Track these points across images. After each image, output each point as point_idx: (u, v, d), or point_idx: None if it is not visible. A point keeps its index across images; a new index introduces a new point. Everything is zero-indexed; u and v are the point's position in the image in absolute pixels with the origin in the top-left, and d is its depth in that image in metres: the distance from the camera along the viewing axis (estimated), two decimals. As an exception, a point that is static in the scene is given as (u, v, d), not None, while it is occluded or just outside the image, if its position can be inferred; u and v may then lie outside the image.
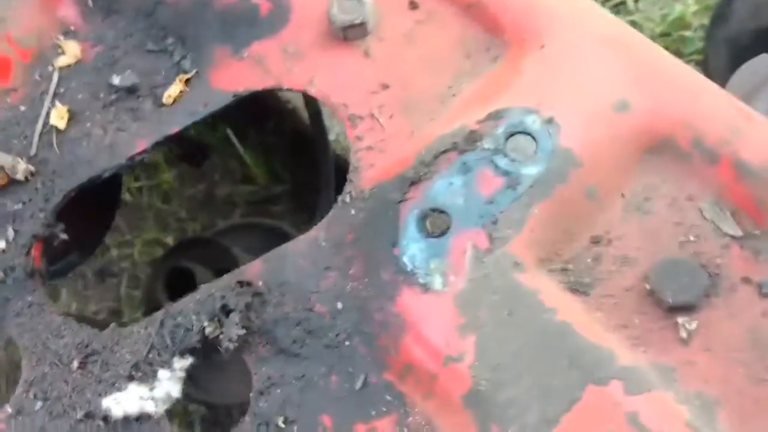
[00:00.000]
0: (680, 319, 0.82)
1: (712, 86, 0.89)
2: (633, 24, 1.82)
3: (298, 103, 1.60)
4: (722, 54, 1.46)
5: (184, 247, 1.64)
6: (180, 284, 1.22)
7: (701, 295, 0.82)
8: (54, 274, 1.16)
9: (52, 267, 1.14)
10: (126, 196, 1.86)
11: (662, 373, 0.80)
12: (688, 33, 1.83)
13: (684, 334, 0.82)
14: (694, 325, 0.82)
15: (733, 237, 0.84)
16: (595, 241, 0.86)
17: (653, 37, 1.76)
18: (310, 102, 1.40)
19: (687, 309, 0.82)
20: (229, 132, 1.80)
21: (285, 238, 1.01)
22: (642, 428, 0.76)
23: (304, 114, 1.46)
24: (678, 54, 1.59)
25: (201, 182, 1.87)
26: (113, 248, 1.86)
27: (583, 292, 0.84)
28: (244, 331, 0.86)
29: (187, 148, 1.48)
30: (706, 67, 1.54)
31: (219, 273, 0.95)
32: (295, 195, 1.80)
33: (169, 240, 1.83)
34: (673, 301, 0.82)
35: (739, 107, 0.87)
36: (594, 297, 0.84)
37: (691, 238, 0.85)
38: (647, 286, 0.83)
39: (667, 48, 0.94)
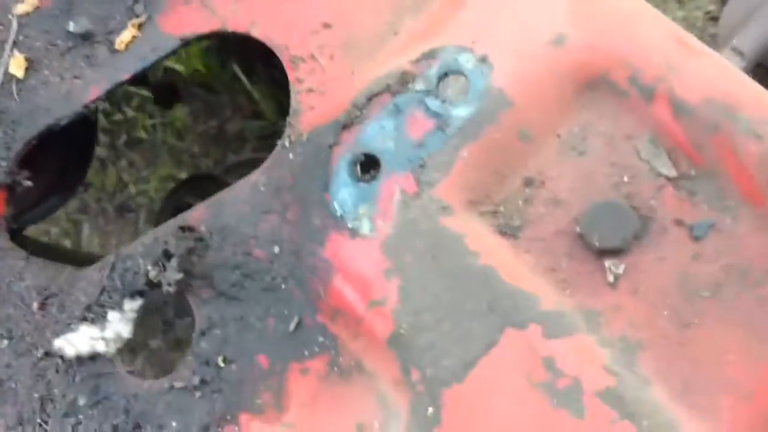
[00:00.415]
0: (608, 263, 0.80)
1: (653, 16, 0.84)
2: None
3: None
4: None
5: (191, 184, 1.68)
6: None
7: (631, 239, 0.80)
8: (36, 218, 1.21)
9: (34, 210, 1.19)
10: (141, 134, 1.90)
11: (587, 317, 0.79)
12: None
13: (611, 278, 0.80)
14: (621, 269, 0.80)
15: (667, 177, 0.81)
16: (528, 182, 0.84)
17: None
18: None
19: (615, 252, 0.80)
20: (236, 68, 1.80)
21: None
22: (557, 372, 0.76)
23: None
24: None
25: (212, 119, 1.89)
26: (131, 185, 1.91)
27: (512, 235, 0.83)
28: (181, 276, 0.88)
29: (158, 91, 1.50)
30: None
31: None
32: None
33: (183, 175, 1.87)
34: (600, 244, 0.80)
35: (681, 40, 0.82)
36: (523, 240, 0.83)
37: (626, 179, 0.82)
38: (577, 229, 0.81)
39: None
